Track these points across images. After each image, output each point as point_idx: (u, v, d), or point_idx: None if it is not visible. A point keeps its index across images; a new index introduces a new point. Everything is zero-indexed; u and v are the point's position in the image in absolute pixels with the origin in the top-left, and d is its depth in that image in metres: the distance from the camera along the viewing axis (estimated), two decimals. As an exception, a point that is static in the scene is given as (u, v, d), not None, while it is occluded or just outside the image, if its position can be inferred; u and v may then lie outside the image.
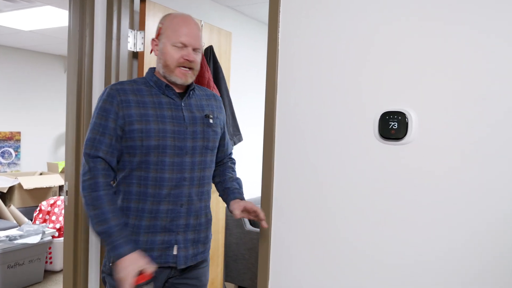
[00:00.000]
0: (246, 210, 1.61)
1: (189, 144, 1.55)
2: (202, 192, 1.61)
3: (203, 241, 1.63)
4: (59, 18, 3.96)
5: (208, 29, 2.81)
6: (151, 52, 1.63)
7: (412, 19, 1.41)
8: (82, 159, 1.50)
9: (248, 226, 3.37)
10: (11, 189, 4.74)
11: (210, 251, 3.18)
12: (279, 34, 1.68)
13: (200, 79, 2.46)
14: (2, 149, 5.62)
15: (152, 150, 1.49)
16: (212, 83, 2.52)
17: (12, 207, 4.42)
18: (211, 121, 1.62)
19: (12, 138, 5.72)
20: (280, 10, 1.67)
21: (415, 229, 1.41)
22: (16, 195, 4.74)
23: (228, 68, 2.99)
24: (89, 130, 1.50)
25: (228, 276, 3.44)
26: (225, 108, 2.69)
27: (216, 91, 2.56)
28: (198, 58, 1.56)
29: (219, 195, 1.76)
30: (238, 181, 1.76)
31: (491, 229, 1.29)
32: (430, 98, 1.39)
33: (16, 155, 5.77)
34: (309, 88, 1.62)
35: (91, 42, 2.23)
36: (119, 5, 2.21)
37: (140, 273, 1.39)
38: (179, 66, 1.53)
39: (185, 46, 1.52)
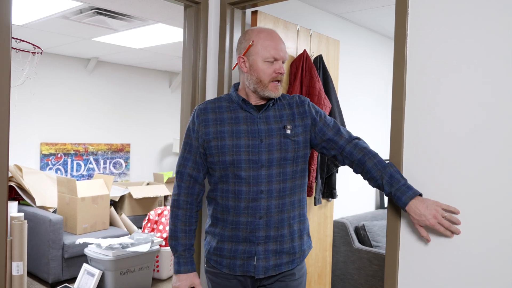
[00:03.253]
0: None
1: (264, 156, 1.55)
2: (283, 203, 1.57)
3: (288, 251, 1.59)
4: (168, 35, 4.15)
5: (317, 38, 2.72)
6: (234, 68, 1.67)
7: None
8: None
9: (357, 244, 3.19)
10: (121, 198, 5.02)
11: (318, 269, 3.07)
12: (407, 43, 1.53)
13: (310, 90, 2.38)
14: (114, 160, 6.02)
15: (228, 165, 1.55)
16: (323, 94, 2.42)
17: (123, 216, 4.67)
18: (288, 131, 1.57)
19: (123, 150, 6.11)
20: (408, 21, 1.53)
21: None
22: (126, 204, 5.01)
23: (337, 76, 2.87)
24: (181, 154, 1.65)
25: (334, 295, 3.28)
26: (335, 118, 2.57)
27: (327, 102, 2.46)
28: (284, 69, 1.59)
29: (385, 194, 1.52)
30: (390, 173, 1.47)
31: None
32: None
33: (126, 166, 6.15)
34: (441, 98, 1.45)
35: (205, 56, 2.26)
36: (232, 18, 2.21)
37: None
38: (272, 81, 1.55)
39: (276, 60, 1.54)
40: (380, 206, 3.93)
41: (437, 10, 1.47)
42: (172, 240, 1.61)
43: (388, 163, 1.52)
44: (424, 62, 1.50)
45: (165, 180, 5.72)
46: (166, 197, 5.43)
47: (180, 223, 1.60)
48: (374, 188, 3.80)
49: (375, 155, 1.54)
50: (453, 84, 1.44)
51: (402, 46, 1.55)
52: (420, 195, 1.44)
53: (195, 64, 2.26)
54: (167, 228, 4.10)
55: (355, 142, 1.58)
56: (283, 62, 1.57)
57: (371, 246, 3.25)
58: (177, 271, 1.60)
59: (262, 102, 1.60)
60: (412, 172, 1.53)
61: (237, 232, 1.57)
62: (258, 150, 1.54)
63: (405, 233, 1.55)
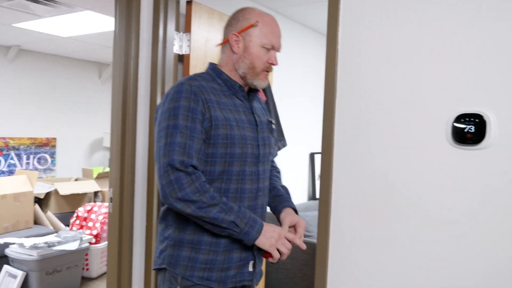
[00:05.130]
0: (292, 227, 1.51)
1: (261, 151, 1.44)
2: (266, 202, 1.54)
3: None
4: (97, 23, 3.97)
5: (251, 31, 2.74)
6: (220, 44, 1.49)
7: (487, 15, 1.29)
8: (162, 169, 1.27)
9: (290, 235, 3.27)
10: (47, 195, 4.76)
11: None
12: (339, 38, 1.58)
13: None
14: (39, 155, 5.68)
15: (236, 159, 1.36)
16: (257, 87, 2.44)
17: (49, 213, 4.44)
18: (273, 126, 1.54)
19: (48, 144, 5.78)
20: (340, 12, 1.58)
21: (493, 239, 1.29)
22: (53, 201, 4.76)
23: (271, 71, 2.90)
24: (170, 134, 1.28)
25: (268, 286, 3.34)
26: (270, 112, 2.61)
27: (262, 95, 2.49)
28: None
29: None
30: (285, 188, 1.65)
31: None
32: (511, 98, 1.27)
33: (52, 161, 5.83)
34: (373, 90, 1.51)
35: (137, 46, 2.19)
36: (166, 8, 2.16)
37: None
38: (264, 70, 1.43)
39: (273, 48, 1.43)
40: (313, 197, 4.05)
41: (370, 6, 1.53)
42: (230, 213, 1.28)
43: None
44: (355, 58, 1.56)
45: (95, 176, 5.50)
46: (96, 193, 5.22)
47: (220, 196, 1.30)
48: (307, 180, 3.91)
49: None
50: (383, 81, 1.50)
51: (334, 42, 1.59)
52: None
53: (126, 54, 2.19)
54: (97, 225, 3.95)
55: (275, 173, 1.65)
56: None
57: (304, 235, 3.34)
58: (261, 224, 1.33)
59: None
60: (343, 167, 1.58)
61: (233, 239, 1.36)
62: (257, 144, 1.43)
63: (335, 223, 1.61)
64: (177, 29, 2.24)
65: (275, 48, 1.44)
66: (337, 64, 1.59)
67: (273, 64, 1.44)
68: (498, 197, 1.29)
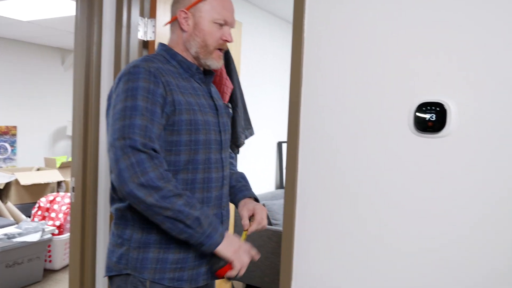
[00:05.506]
0: (252, 216, 1.44)
1: (223, 137, 1.37)
2: (228, 192, 1.45)
3: None
4: (60, 7, 3.83)
5: (219, 19, 2.70)
6: (167, 24, 1.40)
7: (446, 6, 1.32)
8: (119, 152, 1.11)
9: (257, 223, 3.28)
10: (7, 185, 4.61)
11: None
12: (305, 27, 1.58)
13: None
14: (-2, 144, 5.48)
15: (201, 146, 1.26)
16: (224, 74, 2.42)
17: (9, 204, 4.30)
18: (230, 111, 1.47)
19: (8, 133, 5.58)
20: (306, 4, 1.57)
21: (453, 225, 1.32)
22: (13, 192, 4.61)
23: (239, 58, 2.89)
24: (128, 116, 1.14)
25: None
26: (237, 100, 2.59)
27: (228, 83, 2.46)
28: None
29: None
30: (243, 176, 1.57)
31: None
32: (470, 88, 1.30)
33: (12, 150, 5.63)
34: (337, 79, 1.52)
35: (100, 31, 2.12)
36: (129, -8, 2.10)
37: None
38: (218, 48, 1.33)
39: (226, 24, 1.32)
40: (280, 185, 4.07)
41: (331, -4, 1.53)
42: (195, 209, 1.15)
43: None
44: (321, 47, 1.56)
45: (58, 165, 5.35)
46: (59, 183, 5.09)
47: (184, 195, 1.15)
48: (275, 169, 3.93)
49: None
50: (348, 71, 1.51)
51: (300, 31, 1.59)
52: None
53: (89, 40, 2.12)
54: (60, 215, 3.85)
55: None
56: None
57: (270, 224, 3.36)
58: (222, 234, 1.20)
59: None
60: (308, 156, 1.59)
61: None
62: (219, 130, 1.35)
63: (301, 211, 1.62)
64: (142, 14, 2.17)
65: (228, 23, 1.33)
66: (303, 53, 1.58)
67: (227, 41, 1.32)
68: (458, 183, 1.32)
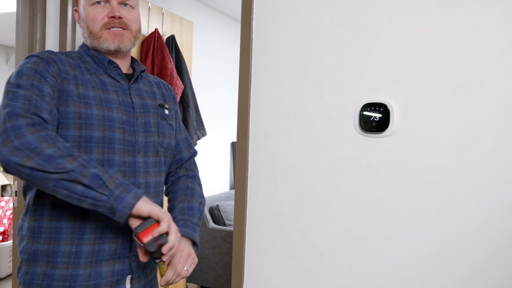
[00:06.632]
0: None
1: (141, 139, 1.20)
2: (157, 202, 1.26)
3: (154, 265, 1.26)
4: (2, 3, 3.65)
5: (169, 17, 2.67)
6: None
7: (395, 7, 1.36)
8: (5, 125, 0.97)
9: (211, 224, 3.26)
10: None
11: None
12: (253, 27, 1.59)
13: (162, 70, 2.33)
14: None
15: (95, 144, 1.10)
16: (175, 74, 2.39)
17: (-51, 210, 4.06)
18: (166, 111, 1.30)
19: None
20: (254, 5, 1.58)
21: (399, 225, 1.37)
22: (-47, 197, 4.35)
23: (190, 58, 2.86)
24: (12, 91, 1.03)
25: (190, 276, 3.32)
26: (188, 101, 2.57)
27: (179, 83, 2.44)
28: (130, 13, 1.21)
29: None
30: (192, 206, 1.31)
31: (483, 225, 1.27)
32: (412, 88, 1.35)
33: (-49, 153, 5.32)
34: (285, 81, 1.54)
35: (43, 28, 2.04)
36: (74, -12, 2.03)
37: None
38: (107, 28, 1.18)
39: (106, 1, 1.19)
40: (234, 186, 4.08)
41: (279, -3, 1.55)
42: (91, 167, 0.98)
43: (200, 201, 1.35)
44: (269, 47, 1.57)
45: (1, 169, 5.10)
46: (4, 187, 4.85)
47: (78, 156, 0.98)
48: (229, 169, 3.93)
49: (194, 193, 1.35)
50: (297, 71, 1.53)
51: (248, 31, 1.59)
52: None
53: (31, 37, 2.03)
54: (5, 221, 3.67)
55: (192, 174, 1.41)
56: (121, 4, 1.20)
57: (224, 225, 3.35)
58: (137, 195, 1.00)
59: (127, 72, 1.27)
60: (258, 157, 1.60)
61: (101, 246, 1.10)
62: (134, 130, 1.19)
63: (251, 211, 1.62)
64: (88, 11, 2.11)
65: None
66: (251, 53, 1.59)
67: (114, 17, 1.18)
68: (400, 182, 1.37)
